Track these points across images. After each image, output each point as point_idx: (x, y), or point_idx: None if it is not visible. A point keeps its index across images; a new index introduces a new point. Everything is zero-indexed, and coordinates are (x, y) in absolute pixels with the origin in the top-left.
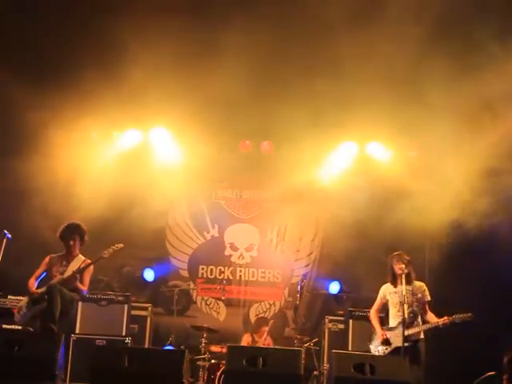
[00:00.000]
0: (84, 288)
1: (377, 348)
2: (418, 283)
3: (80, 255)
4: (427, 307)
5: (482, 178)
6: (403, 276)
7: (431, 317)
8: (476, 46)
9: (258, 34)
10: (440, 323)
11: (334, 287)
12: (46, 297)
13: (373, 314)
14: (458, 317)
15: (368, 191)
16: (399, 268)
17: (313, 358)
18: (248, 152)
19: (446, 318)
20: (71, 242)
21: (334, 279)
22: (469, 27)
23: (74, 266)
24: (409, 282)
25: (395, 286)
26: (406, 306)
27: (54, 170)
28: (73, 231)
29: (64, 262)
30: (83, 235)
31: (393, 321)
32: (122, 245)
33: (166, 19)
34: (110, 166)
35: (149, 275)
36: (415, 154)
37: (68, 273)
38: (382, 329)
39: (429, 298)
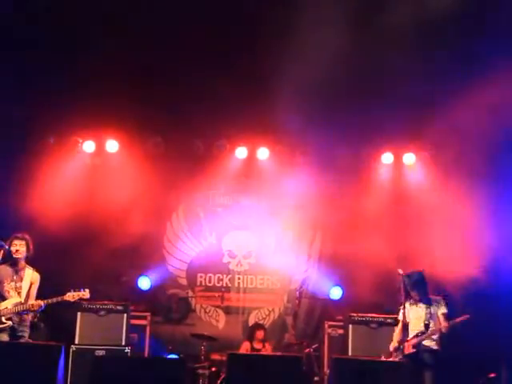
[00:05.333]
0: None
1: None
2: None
3: (27, 267)
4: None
5: None
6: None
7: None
8: None
9: None
10: (443, 329)
11: (336, 292)
12: None
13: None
14: (457, 320)
15: (365, 195)
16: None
17: (313, 363)
18: (244, 158)
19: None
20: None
21: (334, 284)
22: None
23: (26, 281)
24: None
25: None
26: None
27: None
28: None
29: (15, 277)
30: (29, 245)
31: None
32: (88, 295)
33: None
34: (105, 174)
35: (144, 284)
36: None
37: (24, 291)
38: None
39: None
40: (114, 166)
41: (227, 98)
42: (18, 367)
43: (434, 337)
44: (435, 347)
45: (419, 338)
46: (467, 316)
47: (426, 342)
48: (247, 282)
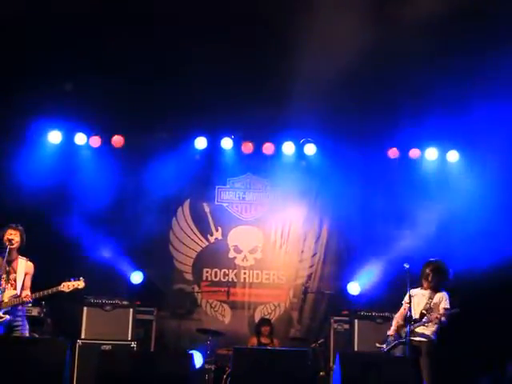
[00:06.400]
0: (28, 297)
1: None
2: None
3: (20, 257)
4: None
5: None
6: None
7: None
8: None
9: None
10: (435, 320)
11: (355, 287)
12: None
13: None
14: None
15: (372, 190)
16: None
17: (319, 358)
18: (250, 153)
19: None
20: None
21: (348, 279)
22: None
23: (20, 272)
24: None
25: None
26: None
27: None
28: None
29: (8, 269)
30: (23, 235)
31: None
32: (83, 284)
33: None
34: (110, 169)
35: (136, 278)
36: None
37: (19, 282)
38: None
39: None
40: (120, 160)
41: (234, 94)
42: (24, 362)
43: (431, 326)
44: (428, 333)
45: (413, 326)
46: (457, 310)
47: (422, 330)
48: (253, 277)
